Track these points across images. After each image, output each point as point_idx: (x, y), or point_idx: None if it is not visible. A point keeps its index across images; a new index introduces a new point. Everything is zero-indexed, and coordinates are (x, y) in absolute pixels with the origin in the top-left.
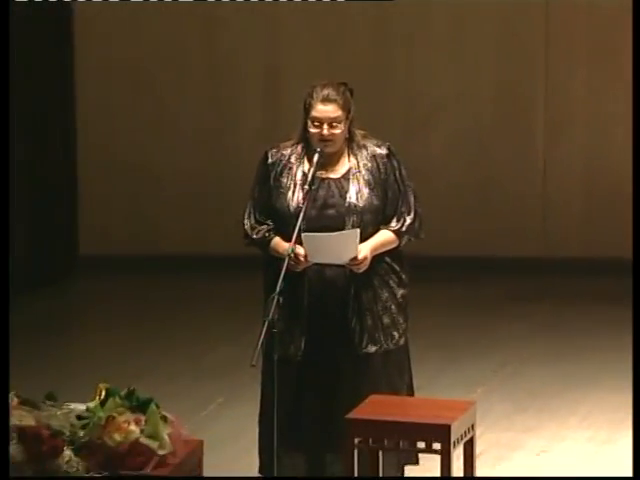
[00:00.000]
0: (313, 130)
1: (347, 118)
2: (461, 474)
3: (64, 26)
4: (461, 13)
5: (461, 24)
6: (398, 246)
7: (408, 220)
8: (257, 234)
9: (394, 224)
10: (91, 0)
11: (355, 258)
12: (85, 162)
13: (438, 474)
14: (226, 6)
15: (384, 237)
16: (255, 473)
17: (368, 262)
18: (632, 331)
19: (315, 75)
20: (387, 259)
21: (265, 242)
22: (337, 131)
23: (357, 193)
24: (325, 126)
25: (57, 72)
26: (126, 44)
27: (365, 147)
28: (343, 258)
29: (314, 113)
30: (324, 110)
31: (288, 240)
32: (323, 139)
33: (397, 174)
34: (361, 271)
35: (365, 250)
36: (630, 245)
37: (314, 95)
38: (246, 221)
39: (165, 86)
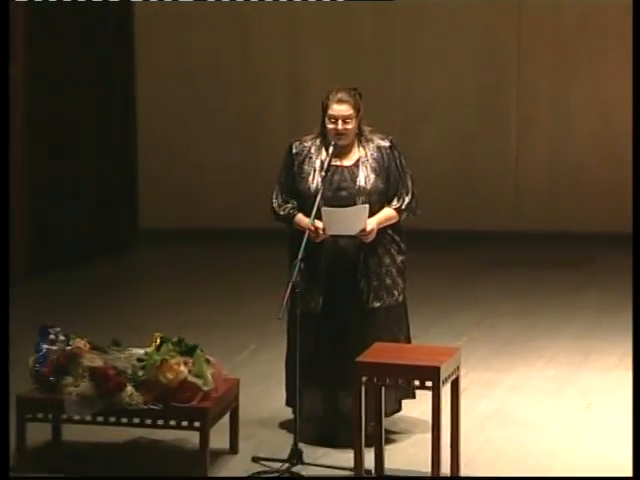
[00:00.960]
0: (330, 126)
1: (357, 116)
2: (449, 407)
3: (125, 29)
4: (447, 30)
5: (448, 39)
6: (398, 221)
7: (407, 200)
8: (283, 211)
9: (395, 203)
10: (148, 1)
11: (364, 230)
12: (144, 152)
13: (430, 407)
14: (259, 24)
15: (387, 214)
16: (282, 406)
17: (374, 234)
18: (632, 332)
19: (330, 81)
20: (389, 231)
21: (290, 217)
22: (349, 127)
23: (365, 178)
24: (339, 122)
25: (120, 73)
26: (178, 54)
27: (372, 140)
28: (354, 230)
29: (330, 112)
30: (339, 109)
31: (309, 217)
32: (338, 133)
33: (398, 162)
34: (368, 241)
35: (372, 224)
36: (589, 219)
37: (330, 97)
38: (274, 200)
39: (208, 90)
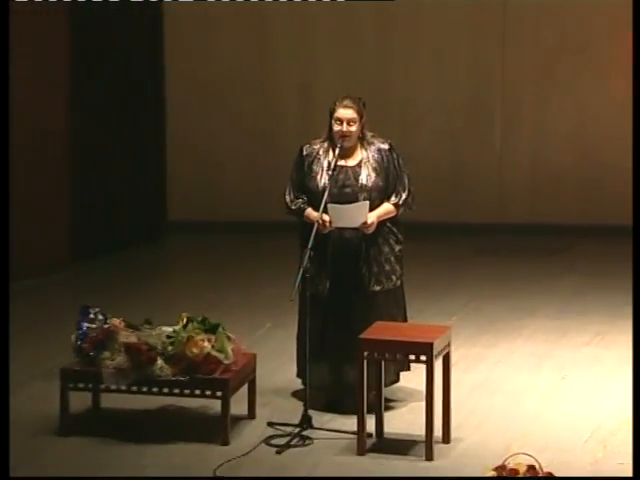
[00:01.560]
0: (336, 127)
1: (360, 121)
2: (441, 379)
3: (156, 32)
4: (440, 45)
5: (440, 53)
6: (396, 215)
7: (404, 196)
8: (294, 206)
9: (393, 199)
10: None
11: (365, 223)
12: (173, 152)
13: (424, 378)
14: (275, 39)
15: (386, 208)
16: (294, 377)
17: (375, 226)
18: (632, 333)
19: (336, 90)
20: (388, 224)
21: (300, 211)
22: (353, 129)
23: (367, 177)
24: (344, 124)
25: (151, 80)
26: (202, 65)
27: (373, 143)
28: (357, 223)
29: (337, 115)
30: (344, 112)
31: (317, 211)
32: (343, 134)
33: (396, 163)
34: (369, 232)
35: (372, 217)
36: (566, 212)
37: (337, 103)
38: (286, 196)
39: (229, 97)
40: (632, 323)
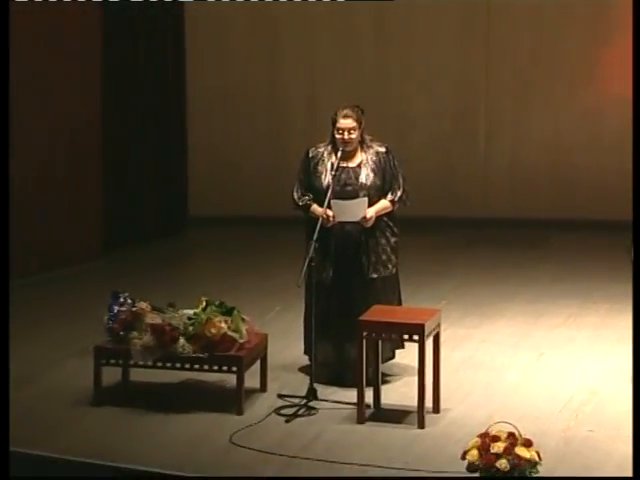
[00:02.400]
0: (338, 136)
1: (359, 128)
2: (431, 356)
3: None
4: (430, 60)
5: (431, 67)
6: (392, 210)
7: (399, 193)
8: (302, 202)
9: (390, 196)
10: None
11: (365, 217)
12: (193, 152)
13: (416, 356)
14: (284, 54)
15: (383, 204)
16: (301, 354)
17: (373, 220)
18: (632, 332)
19: (339, 99)
20: (385, 218)
21: (307, 207)
22: (353, 136)
23: (366, 176)
24: (345, 133)
25: (174, 83)
26: (221, 74)
27: (371, 147)
28: (357, 217)
29: (338, 125)
30: (345, 122)
31: (322, 207)
32: (344, 142)
33: (392, 164)
34: (368, 226)
35: (371, 212)
36: (543, 208)
37: (338, 113)
38: (294, 193)
39: (245, 105)
40: (632, 323)
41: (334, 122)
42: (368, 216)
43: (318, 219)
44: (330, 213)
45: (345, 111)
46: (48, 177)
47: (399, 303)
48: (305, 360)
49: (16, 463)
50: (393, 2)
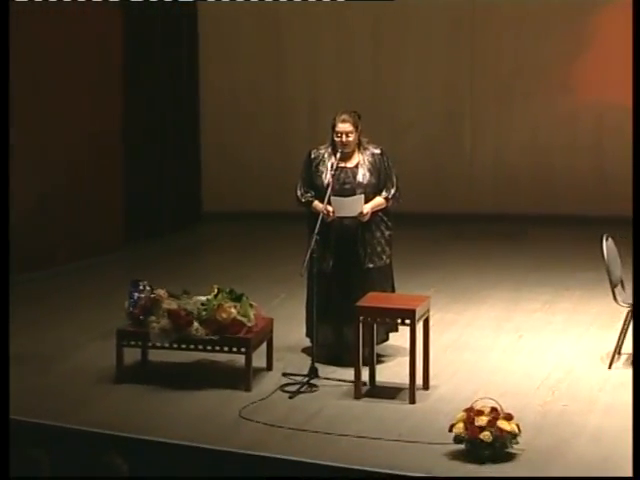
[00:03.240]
0: (337, 139)
1: (356, 131)
2: (422, 338)
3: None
4: (421, 69)
5: (422, 76)
6: (387, 206)
7: (392, 191)
8: (304, 199)
9: (384, 193)
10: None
11: (361, 212)
12: (206, 153)
13: (408, 338)
14: (288, 64)
15: (378, 201)
16: (303, 337)
17: (369, 215)
18: (632, 332)
19: (338, 105)
20: (380, 214)
21: (309, 203)
22: (350, 139)
23: (363, 176)
24: (343, 136)
25: (188, 85)
26: (232, 79)
27: (367, 148)
28: (355, 212)
29: (337, 129)
30: (343, 127)
31: (323, 203)
32: (342, 144)
33: (386, 164)
34: (365, 220)
35: (367, 208)
36: (522, 204)
37: (337, 118)
38: (297, 191)
39: (253, 110)
40: (633, 324)
41: (333, 126)
42: (365, 212)
43: (319, 214)
44: (330, 209)
45: (343, 116)
46: (75, 177)
47: (393, 290)
48: (307, 342)
49: (45, 434)
50: (390, 6)
